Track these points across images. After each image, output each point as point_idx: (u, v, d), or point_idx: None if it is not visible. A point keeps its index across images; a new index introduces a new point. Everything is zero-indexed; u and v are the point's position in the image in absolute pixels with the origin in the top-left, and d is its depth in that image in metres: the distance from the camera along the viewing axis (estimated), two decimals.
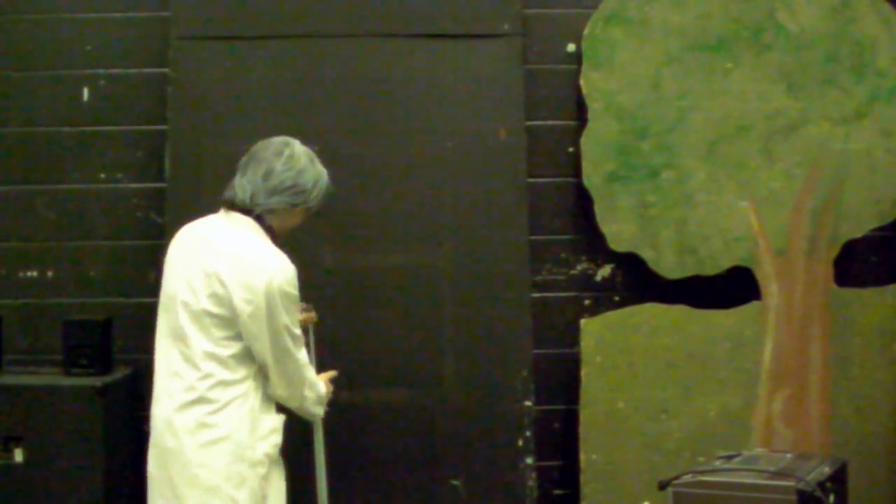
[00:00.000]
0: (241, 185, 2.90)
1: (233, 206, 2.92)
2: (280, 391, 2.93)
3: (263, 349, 2.84)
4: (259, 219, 2.90)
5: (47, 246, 4.11)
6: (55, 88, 4.12)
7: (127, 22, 4.14)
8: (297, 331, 2.92)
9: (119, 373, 3.84)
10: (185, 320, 2.85)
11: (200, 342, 2.83)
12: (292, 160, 2.91)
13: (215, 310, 2.82)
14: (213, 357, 2.82)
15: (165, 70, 4.04)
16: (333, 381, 3.22)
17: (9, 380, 3.75)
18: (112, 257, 4.11)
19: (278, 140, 2.97)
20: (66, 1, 4.13)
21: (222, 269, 2.81)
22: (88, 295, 4.09)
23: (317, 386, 3.04)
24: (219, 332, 2.83)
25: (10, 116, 4.12)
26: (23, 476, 3.60)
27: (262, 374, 2.91)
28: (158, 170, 4.07)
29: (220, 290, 2.81)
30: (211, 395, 2.82)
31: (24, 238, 4.12)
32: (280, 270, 2.83)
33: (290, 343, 2.88)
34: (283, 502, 2.97)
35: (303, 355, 2.96)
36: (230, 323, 2.83)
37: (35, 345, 4.07)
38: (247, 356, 2.87)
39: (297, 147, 2.96)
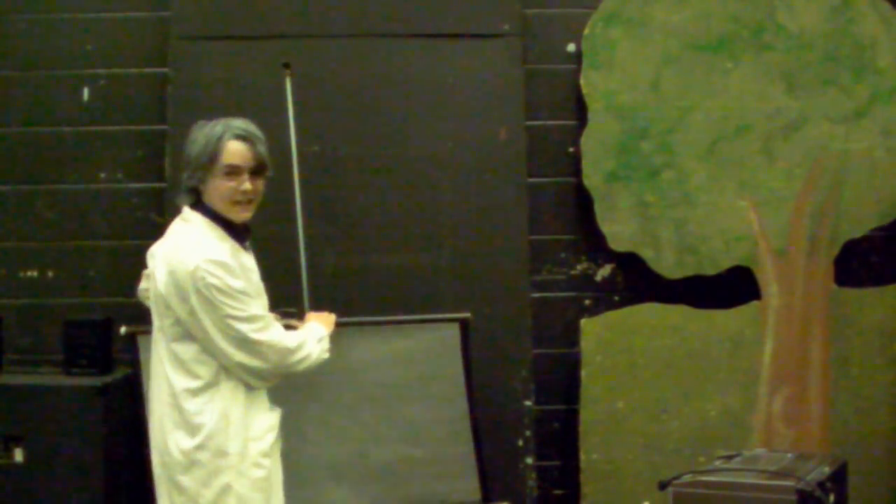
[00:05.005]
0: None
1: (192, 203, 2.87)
2: (254, 369, 2.76)
3: (215, 346, 2.73)
4: (201, 205, 2.82)
5: (47, 246, 4.11)
6: (55, 88, 4.12)
7: (127, 22, 4.14)
8: (251, 311, 2.73)
9: (119, 373, 3.83)
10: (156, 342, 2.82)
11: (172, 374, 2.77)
12: (189, 137, 2.86)
13: (168, 321, 2.76)
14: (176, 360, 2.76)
15: (165, 70, 4.04)
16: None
17: (9, 380, 3.75)
18: (112, 257, 4.10)
19: None
20: (66, 1, 4.14)
21: (161, 279, 2.75)
22: (88, 295, 4.09)
23: (304, 347, 2.85)
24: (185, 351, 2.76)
25: (10, 116, 4.12)
26: (23, 476, 3.60)
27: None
28: (158, 170, 4.07)
29: (165, 303, 2.75)
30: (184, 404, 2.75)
31: (24, 238, 4.12)
32: (201, 266, 2.69)
33: (244, 328, 2.72)
34: None
35: (275, 333, 2.79)
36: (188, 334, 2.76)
37: (35, 345, 4.07)
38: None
39: (198, 124, 2.90)
